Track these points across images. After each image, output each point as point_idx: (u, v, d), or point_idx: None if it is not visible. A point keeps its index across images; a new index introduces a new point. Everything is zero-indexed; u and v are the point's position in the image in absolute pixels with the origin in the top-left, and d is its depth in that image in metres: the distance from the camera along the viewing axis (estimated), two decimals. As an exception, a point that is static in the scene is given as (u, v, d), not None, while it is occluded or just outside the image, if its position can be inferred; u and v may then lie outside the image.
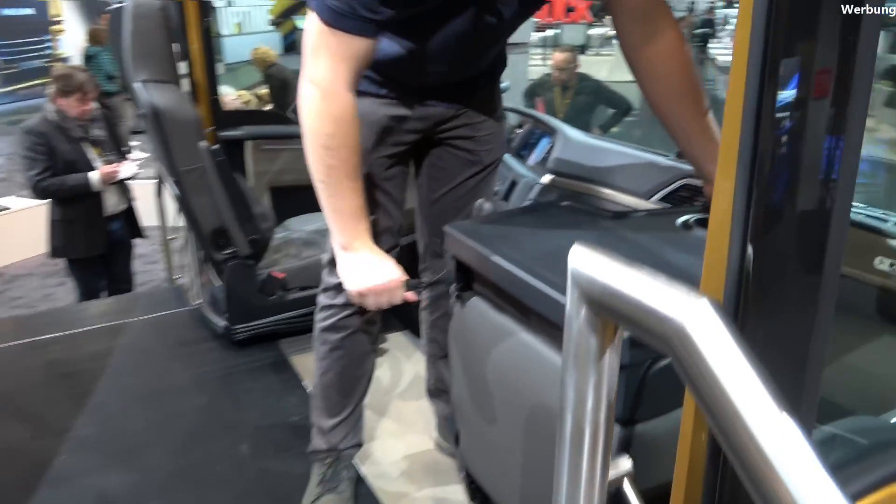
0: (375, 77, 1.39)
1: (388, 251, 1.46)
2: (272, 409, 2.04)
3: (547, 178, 2.04)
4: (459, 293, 1.21)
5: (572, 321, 0.64)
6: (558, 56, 4.48)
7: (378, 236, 1.47)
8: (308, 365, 2.30)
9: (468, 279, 1.20)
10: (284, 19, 18.08)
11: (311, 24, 1.14)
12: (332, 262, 1.42)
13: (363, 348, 1.58)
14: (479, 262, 1.12)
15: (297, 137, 2.72)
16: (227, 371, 2.26)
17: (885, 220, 1.41)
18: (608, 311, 0.61)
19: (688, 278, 0.56)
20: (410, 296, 1.35)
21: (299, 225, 2.72)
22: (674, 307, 0.53)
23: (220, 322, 2.37)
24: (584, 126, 3.97)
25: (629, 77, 1.29)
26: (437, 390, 1.81)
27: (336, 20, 1.10)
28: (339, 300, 1.51)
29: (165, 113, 2.01)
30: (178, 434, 1.92)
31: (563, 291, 0.65)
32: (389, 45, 1.30)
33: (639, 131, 6.42)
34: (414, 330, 2.20)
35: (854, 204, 1.56)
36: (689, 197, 1.73)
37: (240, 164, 2.66)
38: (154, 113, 1.98)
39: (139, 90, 1.99)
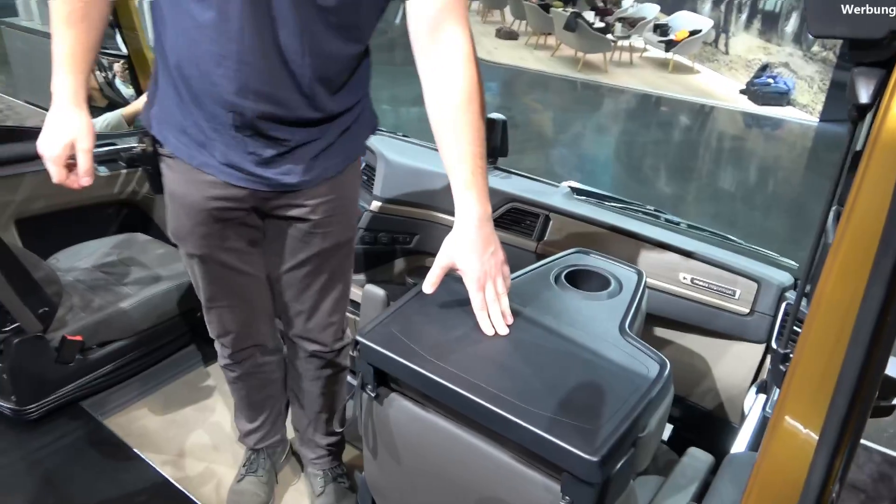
0: (191, 133, 1.26)
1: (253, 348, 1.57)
2: (108, 491, 1.83)
3: (376, 205, 2.05)
4: (376, 392, 1.23)
5: None
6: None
7: (239, 320, 1.55)
8: (131, 424, 2.08)
9: (384, 379, 1.22)
10: None
11: None
12: None
13: (257, 382, 1.73)
14: (396, 370, 1.15)
15: (28, 159, 2.33)
16: (30, 458, 1.94)
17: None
18: None
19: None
20: (71, 182, 1.22)
21: (69, 261, 2.34)
22: None
23: (4, 405, 2.00)
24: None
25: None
26: (296, 429, 1.88)
27: None
28: (219, 348, 1.66)
29: None
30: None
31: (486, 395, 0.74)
32: (193, 36, 1.16)
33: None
34: None
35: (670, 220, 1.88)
36: (519, 219, 1.90)
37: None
38: None
39: None
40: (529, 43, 11.76)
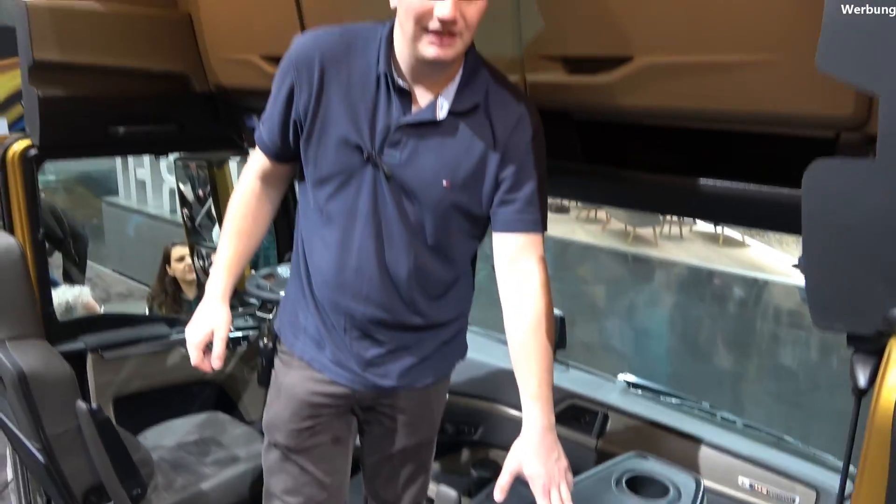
0: (309, 331, 1.48)
1: None
2: None
3: (443, 397, 2.18)
4: None
5: None
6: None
7: None
8: None
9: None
10: (10, 105, 16.42)
11: None
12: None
13: None
14: None
15: (144, 340, 2.59)
16: None
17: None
18: None
19: None
20: (205, 365, 1.43)
21: (157, 440, 2.51)
22: None
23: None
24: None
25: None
26: None
27: (256, 135, 1.48)
28: None
29: (33, 376, 1.79)
30: None
31: None
32: (321, 248, 1.42)
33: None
34: None
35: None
36: (578, 415, 2.01)
37: (79, 380, 2.42)
38: (19, 378, 1.76)
39: (-5, 352, 1.76)
40: (580, 217, 12.26)
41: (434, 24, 1.16)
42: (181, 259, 3.62)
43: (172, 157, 3.10)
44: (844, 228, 0.70)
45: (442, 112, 1.29)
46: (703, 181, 1.36)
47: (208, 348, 1.44)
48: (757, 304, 8.64)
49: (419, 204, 1.34)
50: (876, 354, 0.67)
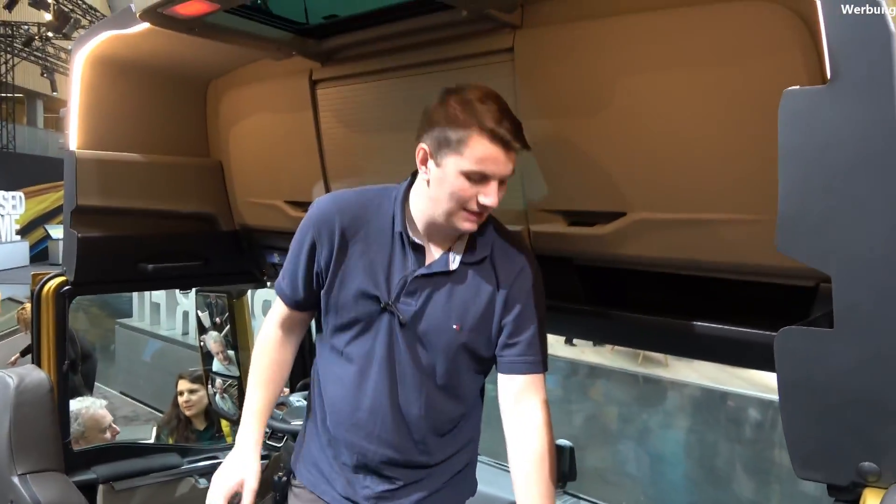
0: (322, 467, 1.53)
1: None
2: None
3: None
4: None
5: None
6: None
7: None
8: None
9: None
10: (32, 228, 17.02)
11: None
12: None
13: None
14: None
15: (156, 471, 2.59)
16: None
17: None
18: None
19: None
20: None
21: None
22: None
23: None
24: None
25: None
26: None
27: (280, 290, 1.56)
28: None
29: (51, 511, 1.83)
30: None
31: None
32: (337, 387, 1.49)
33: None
34: None
35: None
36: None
37: (89, 510, 2.42)
38: (38, 512, 1.79)
39: (17, 486, 1.81)
40: (589, 337, 12.23)
41: (474, 207, 1.32)
42: (181, 393, 3.65)
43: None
44: (816, 388, 0.78)
45: (454, 264, 1.42)
46: (697, 323, 1.46)
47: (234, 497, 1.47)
48: (774, 427, 8.44)
49: (431, 347, 1.44)
50: (854, 503, 0.73)
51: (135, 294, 9.55)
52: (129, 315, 9.60)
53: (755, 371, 10.44)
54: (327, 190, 2.06)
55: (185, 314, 8.44)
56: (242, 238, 2.55)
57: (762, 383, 9.70)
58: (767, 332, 0.80)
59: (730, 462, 7.17)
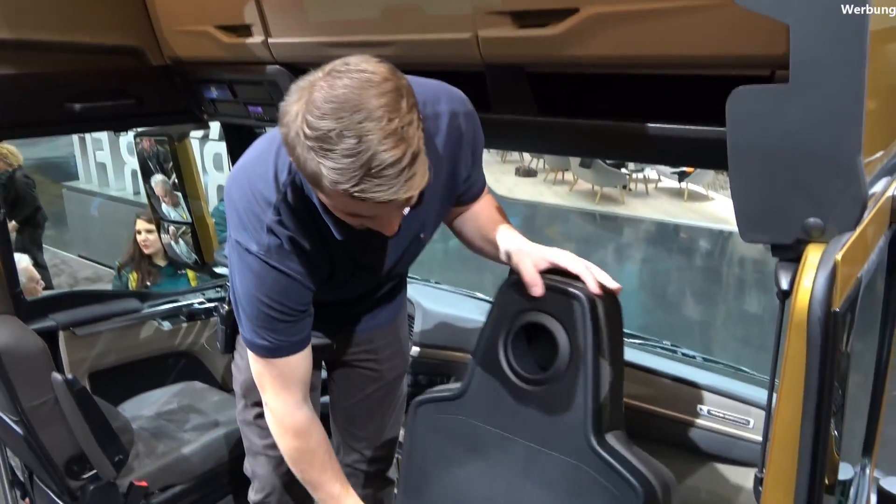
0: None
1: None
2: None
3: (415, 351, 2.26)
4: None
5: None
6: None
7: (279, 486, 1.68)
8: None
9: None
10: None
11: (252, 360, 1.33)
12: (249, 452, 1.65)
13: None
14: None
15: (116, 315, 2.60)
16: None
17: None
18: None
19: None
20: None
21: (135, 410, 2.55)
22: None
23: (73, 553, 2.14)
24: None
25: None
26: None
27: (272, 353, 1.28)
28: (254, 497, 1.70)
29: (5, 350, 1.82)
30: None
31: None
32: None
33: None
34: None
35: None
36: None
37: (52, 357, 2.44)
38: (-9, 354, 1.78)
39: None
40: (548, 179, 12.38)
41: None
42: (139, 232, 3.68)
43: (132, 134, 3.08)
44: (765, 149, 0.76)
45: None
46: (651, 125, 1.42)
47: None
48: (722, 255, 8.87)
49: (402, 255, 1.42)
50: (796, 261, 0.74)
51: (78, 155, 9.17)
52: (76, 178, 9.27)
53: (707, 203, 10.78)
54: (260, 10, 1.89)
55: (134, 173, 8.18)
56: (175, 73, 2.38)
57: (713, 215, 10.07)
58: (722, 129, 0.77)
59: (681, 289, 7.56)
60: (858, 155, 0.71)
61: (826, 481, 0.76)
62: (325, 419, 1.76)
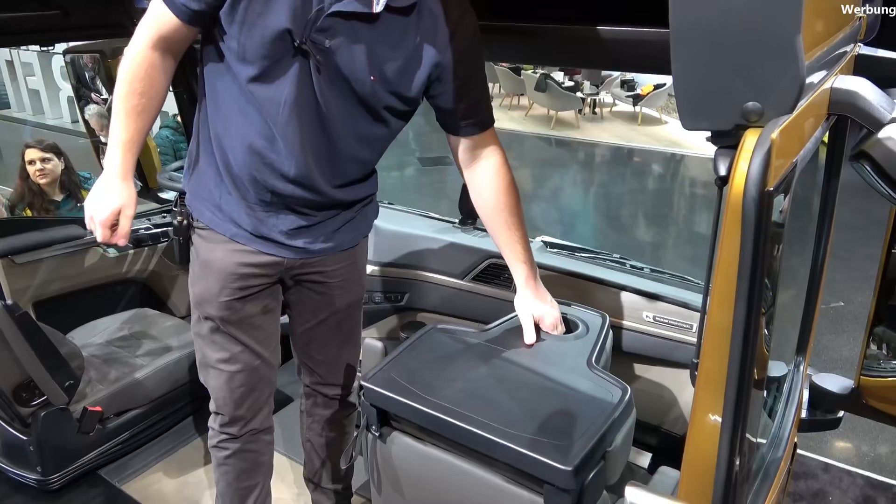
0: (226, 209, 1.48)
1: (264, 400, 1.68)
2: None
3: (370, 269, 2.24)
4: (380, 432, 1.40)
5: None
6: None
7: (244, 386, 1.64)
8: (148, 488, 2.22)
9: (386, 419, 1.41)
10: None
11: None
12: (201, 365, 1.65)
13: (247, 464, 1.75)
14: (397, 408, 1.34)
15: (57, 242, 2.52)
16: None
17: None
18: None
19: None
20: (117, 237, 1.41)
21: (84, 338, 2.51)
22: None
23: (29, 475, 2.13)
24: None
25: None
26: (310, 480, 1.96)
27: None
28: (216, 423, 1.70)
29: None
30: None
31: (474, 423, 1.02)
32: (241, 126, 1.39)
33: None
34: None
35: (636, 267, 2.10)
36: (497, 273, 2.11)
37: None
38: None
39: None
40: (503, 104, 12.25)
41: None
42: (31, 162, 3.33)
43: (62, 50, 2.90)
44: (707, 34, 0.75)
45: (378, 6, 1.27)
46: (602, 28, 1.40)
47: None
48: (675, 178, 9.00)
49: (346, 95, 1.35)
50: (734, 147, 0.74)
51: (7, 81, 8.64)
52: (7, 106, 8.78)
53: (661, 127, 10.82)
54: None
55: (71, 100, 7.77)
56: (103, -19, 2.23)
57: (667, 139, 10.16)
58: (666, 30, 0.75)
59: (633, 212, 7.65)
60: (798, 34, 0.71)
61: (756, 371, 0.79)
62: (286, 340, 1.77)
